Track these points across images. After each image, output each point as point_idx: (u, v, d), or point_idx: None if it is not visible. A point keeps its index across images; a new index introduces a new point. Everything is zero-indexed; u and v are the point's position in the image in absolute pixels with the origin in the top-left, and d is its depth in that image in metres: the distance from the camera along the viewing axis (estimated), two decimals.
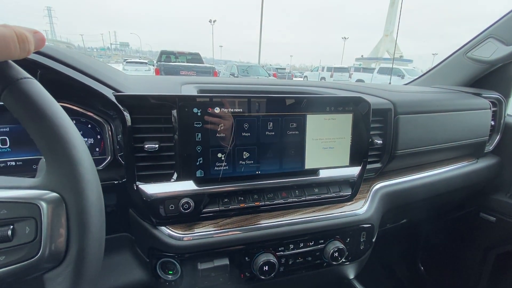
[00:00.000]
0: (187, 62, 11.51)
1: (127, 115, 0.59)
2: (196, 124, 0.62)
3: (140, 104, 0.60)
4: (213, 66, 12.85)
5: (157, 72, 10.23)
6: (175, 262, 0.62)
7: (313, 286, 0.80)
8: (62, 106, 0.64)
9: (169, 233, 0.63)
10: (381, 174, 0.93)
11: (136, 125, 0.61)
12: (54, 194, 0.31)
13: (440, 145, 0.98)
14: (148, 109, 0.61)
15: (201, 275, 0.61)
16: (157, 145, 0.61)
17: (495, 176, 1.25)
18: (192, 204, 0.62)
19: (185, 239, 0.62)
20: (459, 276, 1.43)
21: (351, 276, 0.84)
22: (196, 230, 0.64)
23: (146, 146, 0.60)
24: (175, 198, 0.62)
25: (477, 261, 1.34)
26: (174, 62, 11.47)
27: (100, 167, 0.67)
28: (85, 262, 0.32)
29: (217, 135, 0.64)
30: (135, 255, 0.68)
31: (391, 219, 1.06)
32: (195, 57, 12.24)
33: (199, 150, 0.64)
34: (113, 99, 0.61)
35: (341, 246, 0.70)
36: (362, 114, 0.75)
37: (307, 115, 0.70)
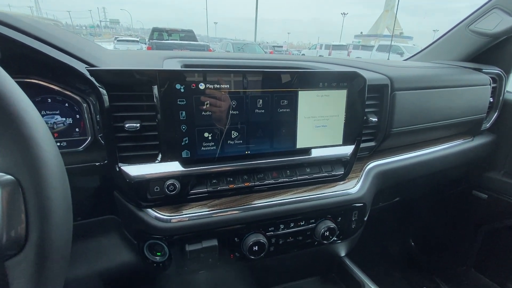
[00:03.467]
0: (180, 40, 11.08)
1: (104, 92, 0.55)
2: (179, 101, 0.58)
3: (117, 80, 0.56)
4: (208, 44, 12.41)
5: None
6: (163, 244, 0.60)
7: (304, 264, 0.81)
8: (32, 83, 0.60)
9: (156, 215, 0.61)
10: (375, 153, 0.91)
11: (115, 103, 0.57)
12: (8, 177, 0.28)
13: (437, 122, 0.95)
14: (127, 85, 0.57)
15: (190, 256, 0.60)
16: (138, 125, 0.57)
17: (490, 154, 1.24)
18: (178, 185, 0.60)
19: (172, 221, 0.60)
20: (449, 252, 1.47)
21: (342, 254, 0.85)
22: (184, 212, 0.62)
23: (127, 125, 0.57)
24: (160, 179, 0.60)
25: (467, 237, 1.37)
26: (166, 40, 11.04)
27: (80, 148, 0.64)
28: (49, 248, 0.30)
29: (203, 113, 0.61)
30: (123, 237, 0.66)
31: (383, 197, 1.06)
32: (189, 35, 11.77)
33: (184, 129, 0.60)
34: (87, 74, 0.56)
35: (332, 225, 0.70)
36: (357, 90, 0.71)
37: (299, 92, 0.67)
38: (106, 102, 0.56)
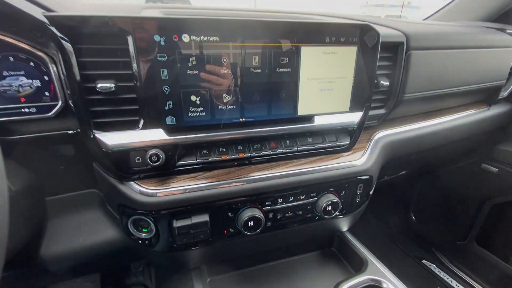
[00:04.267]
0: None
1: (67, 45, 0.46)
2: (159, 57, 0.49)
3: (84, 30, 0.46)
4: None
5: None
6: (148, 220, 0.55)
7: (303, 239, 0.76)
8: None
9: (140, 189, 0.55)
10: (383, 122, 0.83)
11: (83, 59, 0.48)
12: None
13: (453, 89, 0.86)
14: (96, 37, 0.48)
15: (178, 233, 0.55)
16: (113, 85, 0.49)
17: (505, 125, 1.15)
18: (162, 156, 0.53)
19: (158, 195, 0.54)
20: (451, 226, 1.45)
21: (344, 228, 0.80)
22: (171, 185, 0.56)
23: (99, 85, 0.48)
24: (141, 149, 0.53)
25: (471, 211, 1.34)
26: None
27: (50, 114, 0.55)
28: None
29: (188, 72, 0.52)
30: (106, 212, 0.61)
31: (390, 170, 1.00)
32: None
33: (166, 91, 0.52)
34: (46, 21, 0.46)
35: (335, 199, 0.64)
36: (369, 47, 0.62)
37: (302, 48, 0.57)
38: (73, 58, 0.47)
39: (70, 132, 0.55)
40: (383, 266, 0.68)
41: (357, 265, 0.70)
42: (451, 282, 1.37)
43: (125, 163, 0.53)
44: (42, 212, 0.57)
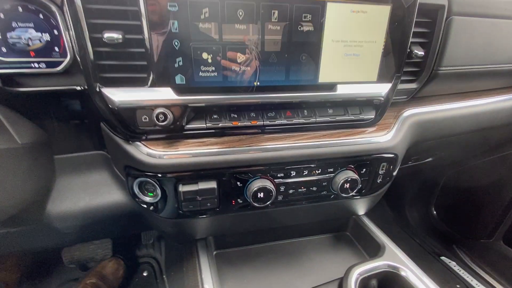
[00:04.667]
0: None
1: None
2: (170, 6, 0.45)
3: None
4: None
5: None
6: (154, 183, 0.53)
7: (315, 219, 0.72)
8: None
9: (147, 151, 0.52)
10: (413, 100, 0.75)
11: (89, 5, 0.45)
12: None
13: (496, 66, 0.76)
14: None
15: (184, 198, 0.52)
16: (120, 36, 0.46)
17: None
18: (170, 116, 0.50)
19: (165, 157, 0.52)
20: (476, 223, 1.35)
21: (361, 212, 0.75)
22: (179, 149, 0.53)
23: (106, 36, 0.45)
24: (148, 108, 0.50)
25: (501, 208, 1.23)
26: None
27: (59, 69, 0.53)
28: None
29: (201, 25, 0.47)
30: (113, 175, 0.60)
31: (416, 155, 0.92)
32: None
33: (176, 46, 0.48)
34: None
35: (355, 176, 0.58)
36: (405, 8, 0.54)
37: (328, 3, 0.51)
38: (79, 5, 0.44)
39: (78, 88, 0.53)
40: (402, 252, 0.63)
41: (373, 251, 0.65)
42: (471, 281, 1.29)
43: (131, 122, 0.50)
44: (50, 170, 0.56)
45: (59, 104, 0.56)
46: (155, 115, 0.49)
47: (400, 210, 1.66)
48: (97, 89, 0.48)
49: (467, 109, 0.79)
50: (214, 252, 0.70)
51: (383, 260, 0.60)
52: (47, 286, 1.17)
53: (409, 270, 0.58)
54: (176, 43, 0.48)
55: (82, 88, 0.53)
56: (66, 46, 0.53)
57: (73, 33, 0.47)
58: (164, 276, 1.28)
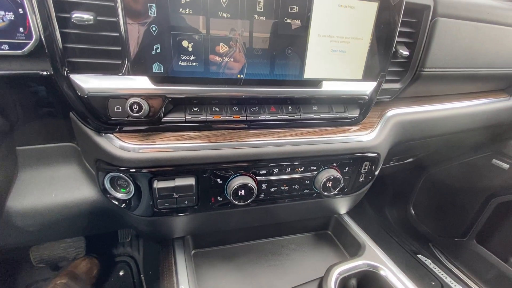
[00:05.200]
0: None
1: None
2: None
3: None
4: None
5: None
6: (127, 178, 0.49)
7: (297, 218, 0.71)
8: None
9: (120, 143, 0.49)
10: (396, 100, 0.75)
11: None
12: None
13: (477, 69, 0.77)
14: None
15: (159, 195, 0.49)
16: (91, 17, 0.42)
17: None
18: (145, 106, 0.47)
19: (140, 151, 0.48)
20: (451, 223, 1.40)
21: (343, 211, 0.74)
22: (156, 142, 0.50)
23: (74, 16, 0.41)
24: (121, 97, 0.46)
25: (475, 208, 1.28)
26: None
27: (22, 52, 0.49)
28: None
29: (181, 10, 0.44)
30: (84, 168, 0.55)
31: (397, 155, 0.93)
32: None
33: (154, 31, 0.44)
34: None
35: (337, 175, 0.58)
36: (392, 4, 0.54)
37: None
38: None
39: (44, 73, 0.49)
40: (382, 252, 0.63)
41: (354, 250, 0.65)
42: (445, 278, 1.34)
43: (103, 112, 0.47)
44: (10, 162, 0.51)
45: (23, 91, 0.51)
46: (128, 105, 0.46)
47: (381, 209, 1.70)
48: (65, 74, 0.44)
49: (448, 111, 0.81)
50: (192, 252, 0.67)
51: (363, 260, 0.60)
52: (13, 287, 1.10)
53: (388, 269, 0.58)
54: (153, 29, 0.44)
55: (48, 73, 0.48)
56: (32, 26, 0.49)
57: (38, 12, 0.43)
58: (142, 275, 1.23)
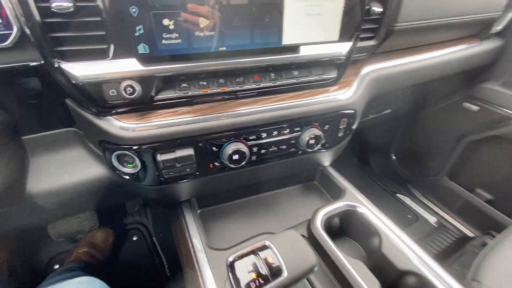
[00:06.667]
0: None
1: None
2: None
3: None
4: None
5: None
6: (132, 155, 0.55)
7: (287, 173, 0.80)
8: None
9: (120, 124, 0.53)
10: (373, 57, 0.80)
11: None
12: None
13: (448, 19, 0.81)
14: None
15: (163, 166, 0.55)
16: (70, 4, 0.43)
17: (493, 61, 1.14)
18: (138, 88, 0.50)
19: (139, 129, 0.53)
20: (427, 163, 1.55)
21: (326, 163, 0.83)
22: (152, 120, 0.54)
23: (54, 4, 0.42)
24: (114, 81, 0.49)
25: (447, 148, 1.42)
26: None
27: (6, 44, 0.49)
28: None
29: None
30: (89, 150, 0.60)
31: (375, 108, 1.00)
32: None
33: (134, 12, 0.46)
34: None
35: (318, 133, 0.65)
36: None
37: None
38: None
39: (33, 64, 0.50)
40: (360, 194, 0.73)
41: (336, 195, 0.76)
42: (420, 211, 1.53)
43: (99, 97, 0.50)
44: (20, 151, 0.55)
45: (16, 83, 0.53)
46: (122, 88, 0.49)
47: (365, 159, 1.85)
48: (56, 65, 0.46)
49: (421, 63, 0.86)
50: (199, 211, 0.77)
51: (344, 201, 0.70)
52: (38, 261, 1.21)
53: (365, 207, 0.69)
54: (133, 10, 0.46)
55: (39, 63, 0.50)
56: (10, 16, 0.49)
57: (17, 2, 0.43)
58: (153, 238, 1.36)
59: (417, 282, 0.57)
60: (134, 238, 1.35)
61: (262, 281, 0.40)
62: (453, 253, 1.29)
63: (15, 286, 1.02)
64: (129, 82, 0.49)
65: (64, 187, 0.58)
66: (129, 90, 0.49)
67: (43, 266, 1.20)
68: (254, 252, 0.44)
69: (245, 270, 0.42)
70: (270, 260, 0.42)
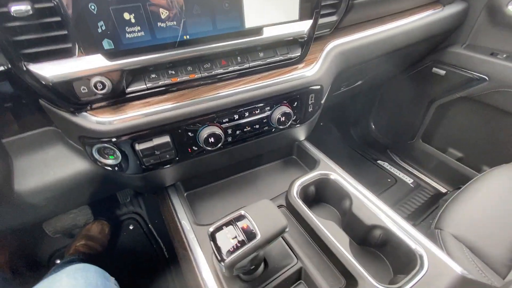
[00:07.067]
0: None
1: None
2: None
3: None
4: None
5: None
6: (112, 147, 0.58)
7: (266, 150, 0.85)
8: None
9: (96, 119, 0.56)
10: (337, 31, 0.83)
11: None
12: None
13: None
14: None
15: (143, 154, 0.59)
16: (29, 7, 0.44)
17: (458, 25, 1.19)
18: (108, 83, 0.52)
19: (115, 122, 0.56)
20: (403, 129, 1.63)
21: (301, 138, 0.89)
22: (127, 112, 0.57)
23: (13, 9, 0.43)
24: (83, 78, 0.51)
25: (421, 113, 1.49)
26: None
27: None
28: None
29: None
30: (70, 146, 0.63)
31: (346, 81, 1.05)
32: None
33: (94, 9, 0.47)
34: None
35: (288, 110, 0.69)
36: None
37: None
38: None
39: (1, 68, 0.51)
40: (333, 163, 0.79)
41: (312, 166, 0.81)
42: (399, 174, 1.64)
43: (71, 95, 0.52)
44: (3, 153, 0.58)
45: None
46: (92, 85, 0.51)
47: (346, 130, 1.92)
48: (24, 68, 0.47)
49: (384, 33, 0.90)
50: (185, 194, 0.82)
51: (318, 171, 0.76)
52: (39, 258, 1.26)
53: (337, 174, 0.76)
54: (92, 7, 0.47)
55: (6, 67, 0.51)
56: None
57: None
58: (149, 225, 1.42)
59: (383, 234, 0.65)
60: (131, 227, 1.40)
61: (239, 245, 0.46)
62: (427, 208, 1.41)
63: (19, 284, 1.07)
64: (99, 78, 0.51)
65: (50, 184, 0.61)
66: (100, 86, 0.52)
67: (45, 263, 1.25)
68: (231, 221, 0.49)
69: (225, 239, 0.47)
70: (245, 226, 0.48)
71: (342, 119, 1.93)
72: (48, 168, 0.62)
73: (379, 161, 1.72)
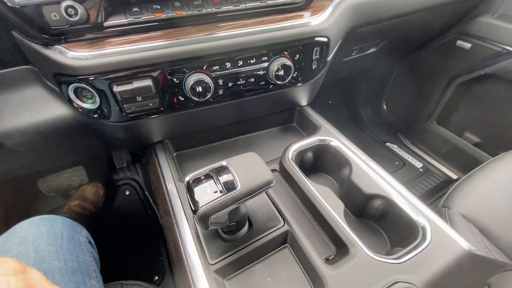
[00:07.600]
0: None
1: None
2: None
3: None
4: None
5: None
6: (89, 88, 0.53)
7: (263, 112, 0.78)
8: None
9: (71, 53, 0.50)
10: None
11: None
12: None
13: None
14: None
15: (121, 98, 0.54)
16: None
17: None
18: (80, 9, 0.46)
19: (91, 57, 0.50)
20: (417, 110, 1.52)
21: (304, 102, 0.81)
22: (106, 47, 0.51)
23: None
24: (52, 2, 0.45)
25: (438, 93, 1.38)
26: None
27: None
28: None
29: None
30: (48, 88, 0.58)
31: (358, 43, 0.94)
32: None
33: None
34: None
35: (288, 63, 0.62)
36: None
37: None
38: None
39: None
40: (334, 129, 0.72)
41: (312, 132, 0.75)
42: (408, 157, 1.55)
43: (41, 22, 0.47)
44: None
45: None
46: (63, 9, 0.45)
47: (355, 109, 1.82)
48: None
49: None
50: (174, 154, 0.77)
51: (317, 136, 0.70)
52: (34, 215, 1.26)
53: (338, 140, 0.69)
54: None
55: None
56: None
57: None
58: (146, 192, 1.41)
59: (383, 204, 0.59)
60: (127, 193, 1.39)
61: (216, 196, 0.41)
62: (436, 194, 1.33)
63: None
64: (69, 2, 0.45)
65: (27, 126, 0.58)
66: (71, 11, 0.46)
67: None
68: (211, 171, 0.44)
69: (202, 189, 0.42)
70: (225, 177, 0.43)
71: (352, 98, 1.82)
72: (24, 109, 0.57)
73: (388, 144, 1.63)
